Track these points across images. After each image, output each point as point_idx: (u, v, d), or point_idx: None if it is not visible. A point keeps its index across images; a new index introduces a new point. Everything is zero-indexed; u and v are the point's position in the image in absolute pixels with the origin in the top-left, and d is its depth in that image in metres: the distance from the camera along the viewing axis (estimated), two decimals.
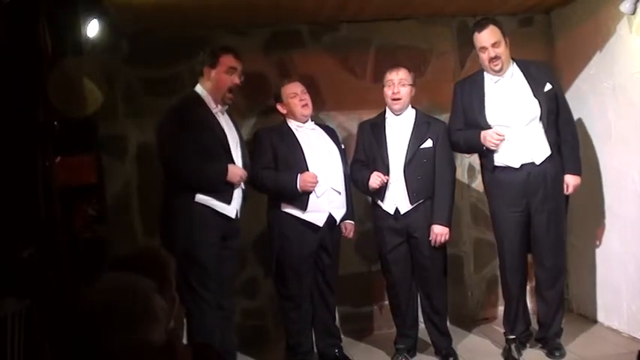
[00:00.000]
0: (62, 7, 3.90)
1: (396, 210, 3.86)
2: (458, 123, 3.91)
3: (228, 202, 3.58)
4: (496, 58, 3.71)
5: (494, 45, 3.70)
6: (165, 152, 3.56)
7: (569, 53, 4.57)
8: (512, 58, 3.82)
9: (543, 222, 3.78)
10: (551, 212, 3.79)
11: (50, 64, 3.80)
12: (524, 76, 3.79)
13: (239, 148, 3.70)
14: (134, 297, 1.46)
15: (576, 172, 3.83)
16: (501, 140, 3.72)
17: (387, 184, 3.83)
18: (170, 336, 1.90)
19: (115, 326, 1.42)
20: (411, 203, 3.83)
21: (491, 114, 3.78)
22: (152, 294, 1.50)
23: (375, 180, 3.81)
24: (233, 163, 3.60)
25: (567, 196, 3.87)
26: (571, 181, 3.81)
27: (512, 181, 3.78)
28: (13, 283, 3.26)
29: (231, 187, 3.57)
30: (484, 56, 3.74)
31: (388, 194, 3.86)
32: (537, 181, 3.75)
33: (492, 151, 3.78)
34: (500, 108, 3.77)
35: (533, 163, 3.75)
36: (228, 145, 3.59)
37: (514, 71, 3.81)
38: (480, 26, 3.76)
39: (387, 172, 3.83)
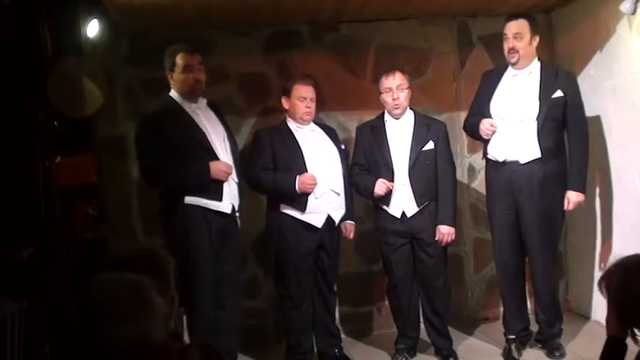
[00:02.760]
0: (62, 7, 3.91)
1: (403, 213, 3.85)
2: (474, 109, 3.98)
3: (220, 198, 3.57)
4: (513, 49, 3.74)
5: (515, 36, 3.73)
6: (143, 163, 3.59)
7: (569, 53, 4.57)
8: (540, 59, 3.84)
9: (530, 223, 3.77)
10: (537, 214, 3.75)
11: (50, 64, 3.81)
12: (541, 78, 3.80)
13: (226, 142, 3.69)
14: (134, 294, 1.47)
15: (580, 189, 3.78)
16: (492, 131, 3.75)
17: (391, 189, 3.82)
18: (171, 335, 1.91)
19: (115, 323, 1.42)
20: (418, 206, 3.83)
21: (494, 105, 3.82)
22: (151, 292, 1.51)
23: (381, 187, 3.79)
24: (217, 158, 3.57)
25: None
26: (573, 197, 3.76)
27: (498, 177, 3.83)
28: (13, 284, 3.26)
29: (220, 183, 3.56)
30: (504, 46, 3.79)
31: (394, 199, 3.84)
32: (521, 180, 3.75)
33: (487, 142, 3.84)
34: (503, 100, 3.81)
35: (517, 162, 3.76)
36: (209, 142, 3.57)
37: (534, 70, 3.81)
38: (512, 16, 3.81)
39: (391, 176, 3.82)
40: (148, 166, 3.56)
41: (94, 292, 1.48)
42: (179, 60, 3.60)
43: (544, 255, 3.83)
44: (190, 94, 3.62)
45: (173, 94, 3.66)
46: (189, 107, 3.62)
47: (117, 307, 1.45)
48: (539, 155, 3.73)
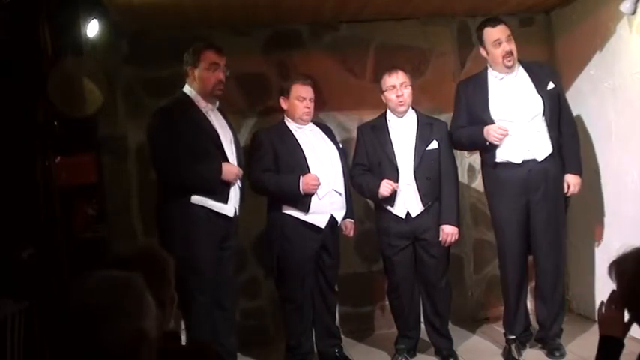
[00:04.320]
0: (62, 7, 3.91)
1: (407, 214, 3.85)
2: (461, 121, 3.91)
3: (225, 201, 3.56)
4: (510, 53, 3.73)
5: (508, 39, 3.74)
6: (157, 156, 3.55)
7: (569, 53, 4.57)
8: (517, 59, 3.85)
9: (542, 221, 3.79)
10: (551, 212, 3.79)
11: (50, 64, 3.80)
12: (528, 74, 3.81)
13: (233, 146, 3.69)
14: (126, 291, 1.47)
15: (577, 171, 3.83)
16: (505, 135, 3.72)
17: (396, 190, 3.81)
18: (170, 335, 1.91)
19: (109, 321, 1.42)
20: (423, 205, 3.83)
21: (494, 110, 3.79)
22: (143, 288, 1.50)
23: (386, 188, 3.77)
24: (227, 161, 3.57)
25: (567, 197, 3.87)
26: (572, 180, 3.81)
27: (512, 178, 3.78)
28: (13, 284, 3.26)
29: (227, 186, 3.55)
30: (497, 51, 3.74)
31: (399, 199, 3.84)
32: (538, 178, 3.76)
33: (494, 147, 3.78)
34: (504, 104, 3.78)
35: (534, 160, 3.75)
36: (221, 143, 3.57)
37: (519, 70, 3.83)
38: (493, 22, 3.79)
39: (396, 176, 3.82)
40: (163, 162, 3.53)
41: (86, 296, 1.47)
42: (207, 57, 3.57)
43: (556, 253, 3.85)
44: (210, 93, 3.60)
45: (188, 90, 3.62)
46: (204, 106, 3.60)
47: (110, 308, 1.44)
48: (551, 150, 3.75)
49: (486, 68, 3.87)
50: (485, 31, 3.79)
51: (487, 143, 3.78)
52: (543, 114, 3.75)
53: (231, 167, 3.56)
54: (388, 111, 3.95)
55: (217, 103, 3.71)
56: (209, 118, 3.59)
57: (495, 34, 3.75)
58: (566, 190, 3.83)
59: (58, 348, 1.50)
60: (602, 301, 2.16)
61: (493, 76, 3.83)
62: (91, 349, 1.42)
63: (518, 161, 3.76)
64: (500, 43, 3.73)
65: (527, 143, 3.75)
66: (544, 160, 3.76)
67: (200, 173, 3.50)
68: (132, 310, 1.44)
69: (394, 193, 3.82)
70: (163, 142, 3.50)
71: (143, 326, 1.45)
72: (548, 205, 3.78)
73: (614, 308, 2.09)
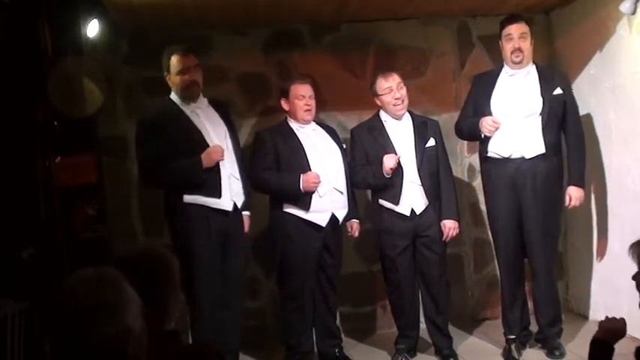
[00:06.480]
0: (62, 7, 3.90)
1: (412, 211, 3.86)
2: (467, 112, 3.99)
3: (219, 195, 3.58)
4: (519, 50, 3.77)
5: (521, 36, 3.78)
6: (142, 164, 3.65)
7: (569, 53, 4.57)
8: (534, 62, 3.88)
9: (533, 221, 3.79)
10: (542, 212, 3.79)
11: (50, 64, 3.80)
12: (539, 77, 3.85)
13: (227, 140, 3.71)
14: (106, 286, 1.47)
15: (580, 184, 3.85)
16: (496, 127, 3.76)
17: (401, 185, 3.81)
18: (170, 334, 1.91)
19: (89, 318, 1.42)
20: (428, 201, 3.86)
21: (495, 103, 3.84)
22: (121, 282, 1.50)
23: (390, 160, 3.75)
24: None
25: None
26: (574, 193, 3.83)
27: (501, 173, 3.83)
28: (13, 284, 3.26)
29: (217, 177, 3.55)
30: (508, 46, 3.80)
31: (404, 197, 3.85)
32: (525, 176, 3.78)
33: (487, 139, 3.82)
34: (504, 98, 3.83)
35: (523, 158, 3.77)
36: (206, 141, 3.59)
37: (531, 71, 3.87)
38: (512, 18, 3.86)
39: (401, 174, 3.83)
40: (145, 167, 3.62)
41: (62, 294, 1.47)
42: (174, 62, 3.63)
43: (546, 253, 3.86)
44: (187, 96, 3.65)
45: (172, 95, 3.70)
46: (187, 108, 3.66)
47: (86, 303, 1.44)
48: (543, 151, 3.76)
49: (502, 65, 3.93)
50: (504, 26, 3.85)
51: (482, 135, 3.83)
52: (540, 114, 3.76)
53: (210, 150, 3.56)
54: (382, 111, 3.97)
55: (205, 100, 3.74)
56: (194, 119, 3.64)
57: (510, 29, 3.81)
58: (567, 203, 3.86)
59: (52, 349, 1.49)
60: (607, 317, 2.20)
61: (505, 72, 3.88)
62: (75, 348, 1.42)
63: (506, 155, 3.79)
64: (511, 39, 3.79)
65: (518, 139, 3.78)
66: (533, 158, 3.77)
67: (180, 168, 3.54)
68: (111, 306, 1.44)
69: (399, 191, 3.82)
70: (146, 151, 3.59)
71: (126, 321, 1.45)
72: (537, 204, 3.78)
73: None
